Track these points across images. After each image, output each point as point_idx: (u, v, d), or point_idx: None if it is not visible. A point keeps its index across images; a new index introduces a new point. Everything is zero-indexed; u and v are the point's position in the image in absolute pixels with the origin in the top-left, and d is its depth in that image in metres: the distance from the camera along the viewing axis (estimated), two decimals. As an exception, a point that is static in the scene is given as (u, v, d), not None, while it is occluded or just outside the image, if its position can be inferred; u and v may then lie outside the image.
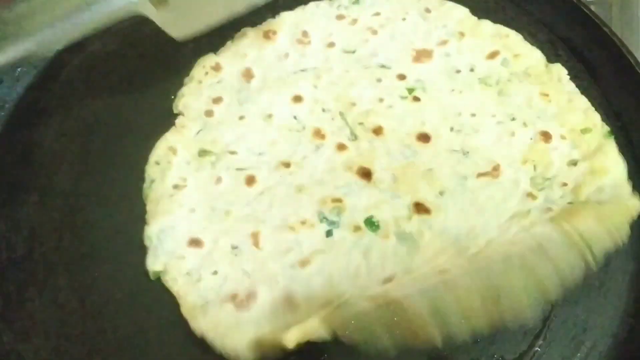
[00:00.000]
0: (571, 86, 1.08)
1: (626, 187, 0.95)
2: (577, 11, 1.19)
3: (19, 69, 1.15)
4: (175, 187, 0.98)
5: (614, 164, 0.98)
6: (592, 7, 1.18)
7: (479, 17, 1.20)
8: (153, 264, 0.91)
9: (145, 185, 1.00)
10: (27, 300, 0.92)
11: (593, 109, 1.05)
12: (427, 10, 1.21)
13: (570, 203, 0.94)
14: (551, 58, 1.16)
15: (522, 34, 1.19)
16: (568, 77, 1.09)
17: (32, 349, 0.88)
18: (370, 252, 0.91)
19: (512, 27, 1.20)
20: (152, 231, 0.94)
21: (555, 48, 1.20)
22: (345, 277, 0.88)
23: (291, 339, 0.80)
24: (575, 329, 0.89)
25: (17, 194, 1.03)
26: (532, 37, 1.20)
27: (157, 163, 1.01)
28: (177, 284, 0.89)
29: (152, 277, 0.91)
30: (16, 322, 0.90)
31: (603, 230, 0.88)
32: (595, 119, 1.03)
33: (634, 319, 0.90)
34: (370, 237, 0.93)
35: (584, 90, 1.10)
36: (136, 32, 1.16)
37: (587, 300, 0.91)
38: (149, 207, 0.97)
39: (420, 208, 0.95)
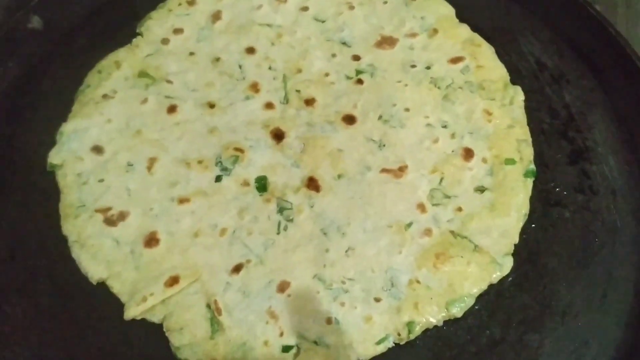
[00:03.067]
0: (519, 113, 1.02)
1: (513, 239, 0.90)
2: (582, 12, 1.13)
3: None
4: (104, 96, 1.04)
5: (518, 208, 0.92)
6: (597, 7, 1.11)
7: (482, 16, 1.17)
8: (53, 157, 0.98)
9: (81, 88, 1.06)
10: (7, 305, 0.88)
11: (530, 142, 0.99)
12: (412, -1, 1.18)
13: (452, 232, 0.90)
14: (555, 58, 1.13)
15: (525, 34, 1.16)
16: (523, 103, 1.03)
17: (11, 355, 0.85)
18: (246, 211, 0.93)
19: (515, 27, 1.17)
20: (67, 129, 1.01)
21: (559, 48, 1.14)
22: (207, 243, 0.90)
23: (129, 315, 0.85)
24: (576, 342, 0.84)
25: None
26: (534, 37, 1.16)
27: (99, 72, 1.08)
28: (64, 180, 0.96)
29: (48, 168, 0.98)
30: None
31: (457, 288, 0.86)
32: (526, 153, 0.97)
33: (638, 330, 0.85)
34: (253, 196, 0.94)
35: (589, 92, 1.08)
36: (125, 28, 1.16)
37: (589, 312, 0.87)
38: (75, 107, 1.04)
39: (312, 184, 0.95)
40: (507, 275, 0.88)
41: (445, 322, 0.85)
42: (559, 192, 0.97)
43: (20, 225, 0.95)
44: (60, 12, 1.20)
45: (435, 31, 1.12)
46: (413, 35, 1.12)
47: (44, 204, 0.96)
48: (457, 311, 0.84)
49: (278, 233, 0.91)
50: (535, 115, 1.04)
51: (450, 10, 1.16)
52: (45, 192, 0.97)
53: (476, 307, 0.86)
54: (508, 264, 0.88)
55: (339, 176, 0.95)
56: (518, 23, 1.18)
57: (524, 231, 0.92)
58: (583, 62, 1.12)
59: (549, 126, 1.04)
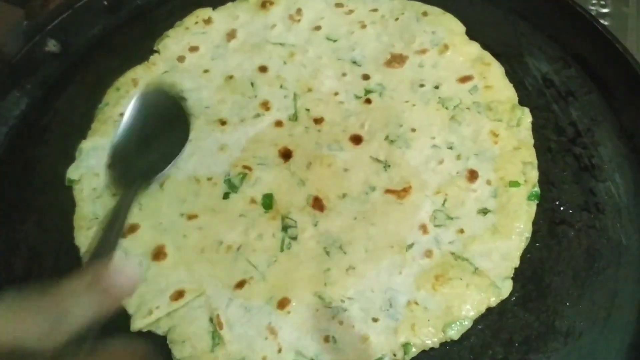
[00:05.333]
0: (526, 134, 1.01)
1: (514, 263, 0.90)
2: (589, 27, 1.11)
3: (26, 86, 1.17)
4: (122, 114, 1.07)
5: (520, 231, 0.92)
6: (608, 20, 1.11)
7: (488, 32, 1.17)
8: (72, 173, 1.03)
9: (100, 105, 1.11)
10: None
11: (535, 164, 0.98)
12: (425, 14, 1.18)
13: (452, 254, 0.91)
14: (562, 74, 1.12)
15: (532, 49, 1.16)
16: (530, 125, 1.03)
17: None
18: (252, 228, 0.95)
19: (521, 42, 1.17)
20: (86, 146, 1.06)
21: (566, 64, 1.14)
22: (212, 259, 0.93)
23: (135, 327, 0.88)
24: (579, 364, 0.85)
25: (16, 212, 1.01)
26: (542, 53, 1.16)
27: (118, 89, 1.12)
28: (81, 194, 1.01)
29: (67, 183, 1.02)
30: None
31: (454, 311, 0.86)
32: (531, 175, 0.97)
33: (643, 351, 0.85)
34: (259, 213, 0.96)
35: (596, 109, 1.07)
36: (142, 49, 1.19)
37: (593, 332, 0.86)
38: (94, 125, 1.08)
39: (317, 203, 0.96)
40: (511, 294, 0.88)
41: (448, 342, 0.85)
42: (564, 211, 0.97)
43: (37, 244, 0.98)
44: (76, 34, 1.24)
45: (446, 47, 1.12)
46: (423, 51, 1.13)
47: (60, 224, 0.99)
48: (454, 334, 0.84)
49: (282, 251, 0.93)
50: (541, 133, 1.04)
51: (461, 28, 1.16)
52: (61, 212, 1.00)
53: (479, 327, 0.86)
54: (507, 287, 0.88)
55: (344, 196, 0.97)
56: (524, 38, 1.18)
57: (528, 250, 0.92)
58: (590, 78, 1.11)
59: (555, 143, 1.03)
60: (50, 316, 0.48)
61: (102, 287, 0.53)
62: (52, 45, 1.19)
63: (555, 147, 1.03)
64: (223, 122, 1.06)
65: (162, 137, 0.95)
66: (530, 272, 0.91)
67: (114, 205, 0.80)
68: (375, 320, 0.85)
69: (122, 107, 1.09)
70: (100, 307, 0.52)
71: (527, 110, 1.04)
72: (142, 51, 1.19)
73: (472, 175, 0.97)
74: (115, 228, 0.72)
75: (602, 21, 1.14)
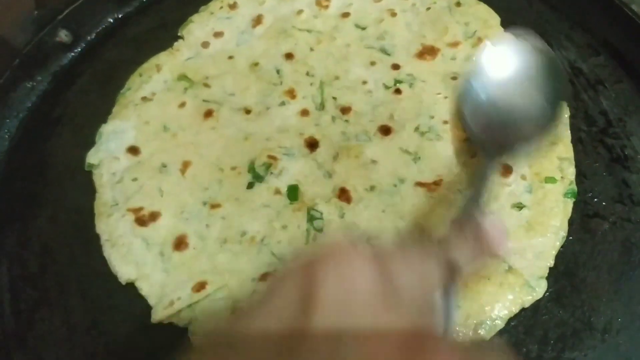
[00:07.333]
0: (562, 129, 0.97)
1: (548, 262, 0.86)
2: (618, 13, 1.07)
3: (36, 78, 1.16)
4: (143, 99, 1.06)
5: (555, 229, 0.88)
6: (635, 6, 1.06)
7: (511, 20, 1.12)
8: (91, 157, 1.00)
9: (122, 90, 1.08)
10: (39, 320, 0.87)
11: (572, 160, 0.95)
12: (457, 4, 1.14)
13: None
14: (590, 62, 1.08)
15: (558, 37, 1.12)
16: (567, 120, 0.99)
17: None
18: (276, 220, 0.91)
19: (547, 30, 1.13)
20: (106, 130, 1.03)
21: (595, 52, 1.10)
22: (235, 250, 0.89)
23: (155, 318, 0.85)
24: (617, 360, 0.82)
25: (29, 207, 0.99)
26: (569, 41, 1.12)
27: (140, 75, 1.09)
28: (100, 179, 0.98)
29: (86, 167, 1.00)
30: (28, 342, 0.86)
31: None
32: (568, 172, 0.93)
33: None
34: (284, 204, 0.93)
35: (627, 97, 1.04)
36: (154, 39, 1.17)
37: (630, 329, 0.81)
38: (115, 109, 1.06)
39: (343, 195, 0.93)
40: (544, 291, 0.85)
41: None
42: (597, 203, 0.93)
43: (50, 239, 0.95)
44: (88, 24, 1.22)
45: (480, 40, 1.08)
46: (455, 44, 1.09)
47: (74, 217, 0.97)
48: (485, 333, 0.81)
49: (307, 243, 0.90)
50: (571, 123, 1.00)
51: (495, 19, 1.12)
52: (75, 205, 0.98)
53: (512, 324, 0.83)
54: (542, 287, 0.84)
55: (372, 188, 0.93)
56: (549, 26, 1.14)
57: (560, 244, 0.89)
58: (620, 65, 1.07)
59: (585, 134, 1.00)
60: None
61: (481, 238, 0.58)
62: (63, 36, 1.16)
63: (586, 137, 1.00)
64: (248, 111, 1.03)
65: (535, 95, 0.82)
66: (563, 267, 0.87)
67: (479, 169, 0.78)
68: (404, 317, 0.82)
69: (143, 92, 1.07)
70: (478, 257, 0.58)
71: (564, 104, 1.00)
72: (155, 41, 1.16)
73: (506, 170, 0.93)
74: (483, 190, 0.74)
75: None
